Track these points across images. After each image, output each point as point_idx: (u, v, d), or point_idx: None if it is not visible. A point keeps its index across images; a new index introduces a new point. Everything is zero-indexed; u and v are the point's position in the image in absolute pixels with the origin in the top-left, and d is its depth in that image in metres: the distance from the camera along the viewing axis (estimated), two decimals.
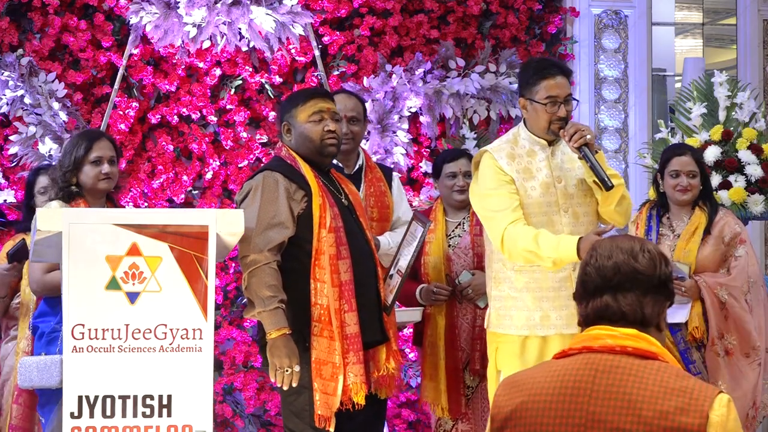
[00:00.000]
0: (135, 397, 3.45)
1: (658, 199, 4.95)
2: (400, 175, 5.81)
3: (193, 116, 6.36)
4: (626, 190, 4.22)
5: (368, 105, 6.37)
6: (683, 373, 2.34)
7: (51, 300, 4.33)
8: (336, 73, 6.48)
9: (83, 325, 3.43)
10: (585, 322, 2.43)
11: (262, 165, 6.37)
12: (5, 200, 6.13)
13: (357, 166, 4.72)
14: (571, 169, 4.12)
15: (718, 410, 2.25)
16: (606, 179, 3.96)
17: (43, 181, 4.99)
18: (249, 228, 3.74)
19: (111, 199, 4.53)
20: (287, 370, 3.74)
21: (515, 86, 6.54)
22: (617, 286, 2.37)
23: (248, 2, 6.25)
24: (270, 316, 3.77)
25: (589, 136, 3.99)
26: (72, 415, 3.42)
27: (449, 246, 4.83)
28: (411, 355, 6.14)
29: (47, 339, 4.29)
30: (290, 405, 3.92)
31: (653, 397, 2.28)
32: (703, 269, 4.77)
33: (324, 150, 4.03)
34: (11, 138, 6.11)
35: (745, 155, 5.43)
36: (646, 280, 2.37)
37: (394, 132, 6.42)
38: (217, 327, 6.10)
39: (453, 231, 4.87)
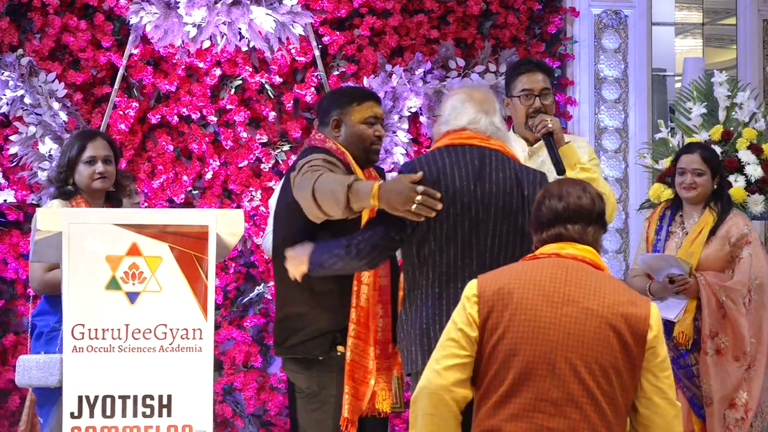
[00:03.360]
0: (135, 397, 3.45)
1: (673, 198, 5.00)
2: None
3: (193, 116, 6.36)
4: (610, 190, 4.23)
5: None
6: (622, 282, 3.09)
7: (51, 299, 4.33)
8: (336, 73, 6.47)
9: (83, 325, 3.43)
10: (541, 244, 3.03)
11: (261, 165, 6.39)
12: (5, 200, 6.12)
13: None
14: (550, 171, 4.15)
15: (654, 308, 2.94)
16: (559, 163, 4.01)
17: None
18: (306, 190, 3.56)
19: (112, 199, 4.53)
20: (419, 195, 3.38)
21: None
22: (567, 219, 2.99)
23: (248, 2, 6.24)
24: (356, 189, 3.43)
25: (551, 125, 4.07)
26: (72, 415, 3.42)
27: None
28: None
29: (46, 338, 4.29)
30: (314, 412, 3.85)
31: (611, 291, 2.91)
32: (707, 269, 4.77)
33: (371, 155, 3.93)
34: (11, 138, 6.11)
35: (745, 155, 5.43)
36: (587, 214, 2.99)
37: (394, 132, 6.42)
38: (217, 327, 6.10)
39: None
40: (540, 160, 4.21)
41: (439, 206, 3.40)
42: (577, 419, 2.80)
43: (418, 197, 3.34)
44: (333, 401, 3.76)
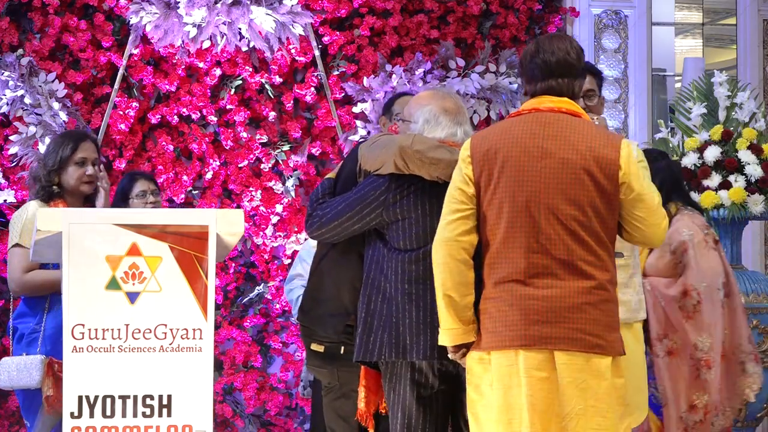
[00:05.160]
0: (135, 397, 3.45)
1: None
2: None
3: (193, 116, 6.36)
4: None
5: (368, 105, 6.38)
6: (601, 127, 3.48)
7: (30, 301, 4.27)
8: (336, 73, 6.48)
9: (83, 325, 3.43)
10: (532, 95, 3.38)
11: (261, 165, 6.39)
12: (5, 200, 6.13)
13: None
14: None
15: (624, 148, 3.29)
16: None
17: (141, 185, 4.74)
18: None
19: (89, 201, 4.46)
20: None
21: (515, 86, 6.55)
22: (558, 73, 3.35)
23: (248, 2, 6.25)
24: None
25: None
26: (72, 415, 3.42)
27: None
28: None
29: (27, 340, 4.24)
30: (338, 409, 3.89)
31: (584, 137, 3.28)
32: (655, 275, 4.77)
33: None
34: (11, 138, 6.11)
35: (745, 155, 5.43)
36: (575, 69, 3.38)
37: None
38: (217, 327, 6.10)
39: None
40: None
41: None
42: (563, 251, 3.24)
43: None
44: (355, 396, 3.78)
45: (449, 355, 3.38)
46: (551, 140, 3.27)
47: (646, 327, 4.56)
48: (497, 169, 3.28)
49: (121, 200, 4.70)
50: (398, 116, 4.28)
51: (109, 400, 3.43)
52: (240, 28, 6.29)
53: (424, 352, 3.50)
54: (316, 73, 6.41)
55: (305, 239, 5.95)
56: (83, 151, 4.36)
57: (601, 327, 3.22)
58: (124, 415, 3.44)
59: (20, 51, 6.15)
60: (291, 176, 6.42)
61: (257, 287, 6.40)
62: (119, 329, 3.46)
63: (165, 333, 3.48)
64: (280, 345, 6.41)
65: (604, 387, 3.21)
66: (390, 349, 3.54)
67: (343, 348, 3.90)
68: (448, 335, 3.33)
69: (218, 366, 6.18)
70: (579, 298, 3.22)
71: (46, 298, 4.22)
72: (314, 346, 3.96)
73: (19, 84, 6.06)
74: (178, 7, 6.19)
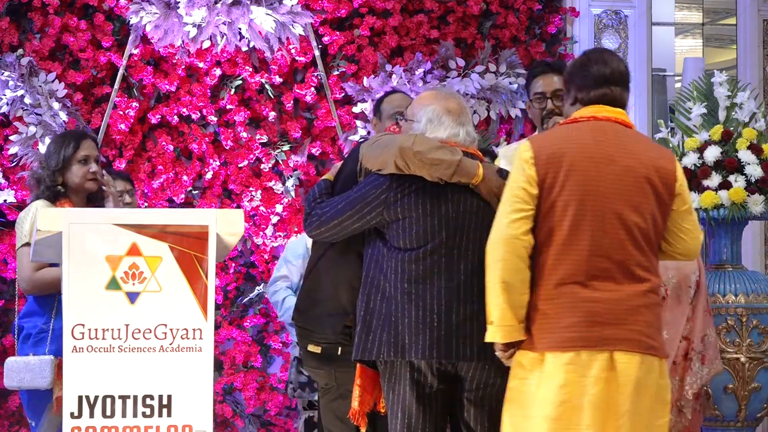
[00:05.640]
0: (135, 397, 3.45)
1: None
2: None
3: (193, 116, 6.36)
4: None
5: (368, 105, 6.38)
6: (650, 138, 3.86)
7: (40, 299, 4.27)
8: (336, 73, 6.48)
9: (83, 325, 3.43)
10: (586, 102, 3.48)
11: (261, 165, 6.39)
12: (5, 200, 6.13)
13: None
14: None
15: (676, 161, 3.47)
16: None
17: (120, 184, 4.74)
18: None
19: (92, 200, 4.46)
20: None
21: (515, 86, 6.55)
22: (612, 82, 3.47)
23: (248, 2, 6.25)
24: (463, 164, 3.54)
25: None
26: (72, 415, 3.42)
27: None
28: None
29: (35, 340, 4.23)
30: (335, 410, 3.87)
31: (644, 147, 3.43)
32: None
33: None
34: (11, 138, 6.11)
35: (745, 155, 5.42)
36: (626, 79, 3.52)
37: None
38: (217, 327, 6.10)
39: None
40: None
41: None
42: (622, 255, 3.36)
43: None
44: (351, 396, 3.76)
45: (497, 353, 3.39)
46: (614, 148, 3.40)
47: None
48: (563, 173, 3.36)
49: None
50: (395, 115, 4.26)
51: (109, 400, 3.43)
52: (240, 28, 6.29)
53: (423, 352, 3.49)
54: (316, 73, 6.42)
55: (289, 241, 5.96)
56: (85, 149, 4.36)
57: (654, 329, 3.39)
58: (124, 415, 3.44)
59: (20, 51, 6.16)
60: (291, 176, 6.42)
61: (257, 287, 6.40)
62: (119, 329, 3.46)
63: (165, 333, 3.48)
64: (280, 345, 6.41)
65: (657, 386, 3.37)
66: (389, 349, 3.54)
67: (340, 349, 3.89)
68: (503, 332, 3.35)
69: (218, 366, 6.18)
70: (636, 300, 3.36)
71: (55, 298, 4.21)
72: (311, 347, 3.95)
73: (19, 84, 6.07)
74: (178, 7, 6.19)
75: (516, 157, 3.45)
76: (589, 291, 3.33)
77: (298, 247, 5.33)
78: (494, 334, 3.36)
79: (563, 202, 3.35)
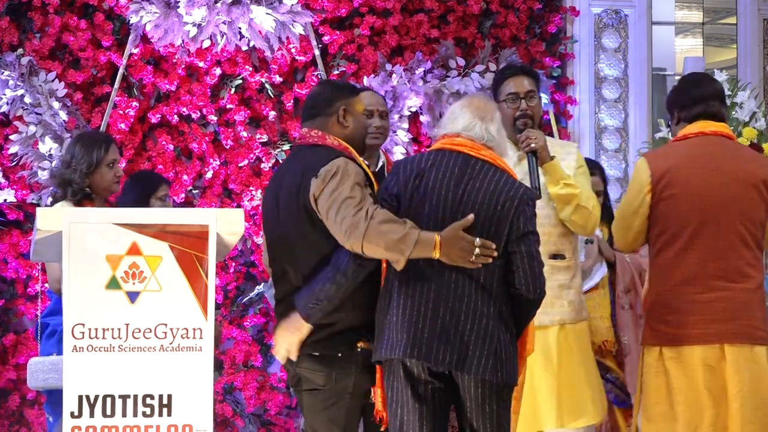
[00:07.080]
0: (135, 397, 3.45)
1: None
2: None
3: (193, 116, 6.36)
4: (594, 203, 4.22)
5: None
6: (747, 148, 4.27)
7: None
8: (336, 72, 6.48)
9: (83, 325, 3.43)
10: (689, 120, 3.98)
11: (261, 164, 6.39)
12: (5, 200, 6.13)
13: (379, 165, 4.66)
14: (539, 176, 4.17)
15: None
16: (537, 187, 4.10)
17: (164, 189, 4.78)
18: (342, 198, 3.58)
19: (107, 201, 4.54)
20: (476, 247, 3.52)
21: None
22: (709, 97, 3.96)
23: (248, 2, 6.25)
24: (420, 245, 3.51)
25: (534, 144, 4.17)
26: (72, 415, 3.41)
27: None
28: None
29: (59, 338, 4.26)
30: (327, 409, 3.80)
31: (748, 158, 3.95)
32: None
33: (364, 147, 4.00)
34: (11, 137, 6.11)
35: None
36: (722, 95, 4.03)
37: (395, 131, 6.42)
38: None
39: None
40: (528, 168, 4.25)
41: (495, 254, 3.54)
42: (734, 258, 3.87)
43: (477, 250, 3.52)
44: (348, 397, 3.73)
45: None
46: (723, 160, 3.90)
47: (612, 280, 5.08)
48: (680, 185, 3.89)
49: (140, 199, 4.65)
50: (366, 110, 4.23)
51: (109, 400, 3.43)
52: (240, 28, 6.29)
53: (404, 350, 3.52)
54: (316, 73, 6.42)
55: None
56: (113, 153, 4.51)
57: (760, 320, 3.89)
58: (124, 414, 3.44)
59: (20, 50, 6.15)
60: None
61: (257, 286, 6.40)
62: (119, 329, 3.46)
63: (165, 332, 3.48)
64: None
65: (764, 370, 3.88)
66: (383, 347, 3.59)
67: (340, 353, 3.85)
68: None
69: (218, 365, 6.18)
70: (746, 296, 3.88)
71: None
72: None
73: (19, 83, 6.06)
74: (178, 7, 6.19)
75: (634, 175, 3.99)
76: (706, 291, 3.87)
77: None
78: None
79: (684, 211, 3.87)
